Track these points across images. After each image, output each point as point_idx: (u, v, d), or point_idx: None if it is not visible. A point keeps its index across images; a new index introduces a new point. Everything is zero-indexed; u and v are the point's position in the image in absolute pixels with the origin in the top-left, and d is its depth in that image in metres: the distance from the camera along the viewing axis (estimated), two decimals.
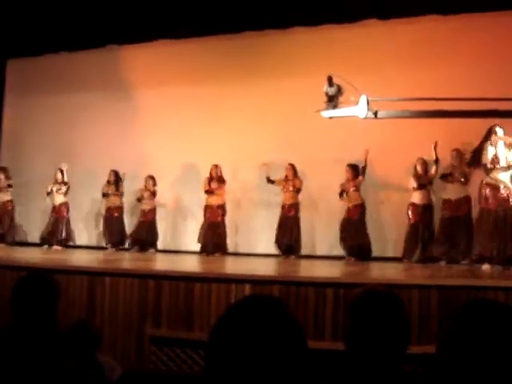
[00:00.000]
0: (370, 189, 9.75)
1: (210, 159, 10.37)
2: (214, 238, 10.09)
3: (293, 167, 9.81)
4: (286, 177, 9.83)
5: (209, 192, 10.21)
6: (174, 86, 11.11)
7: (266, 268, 7.91)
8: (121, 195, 11.04)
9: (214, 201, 10.21)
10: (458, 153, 8.46)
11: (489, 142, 7.58)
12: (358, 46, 9.77)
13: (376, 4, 9.44)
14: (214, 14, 10.13)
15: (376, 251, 9.37)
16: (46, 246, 10.96)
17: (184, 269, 7.13)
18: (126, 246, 10.97)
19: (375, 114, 5.17)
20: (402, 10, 9.41)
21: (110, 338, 5.59)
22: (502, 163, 7.55)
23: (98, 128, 11.68)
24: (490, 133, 7.58)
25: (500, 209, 7.50)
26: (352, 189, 9.43)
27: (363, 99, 5.12)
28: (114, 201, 11.03)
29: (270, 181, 9.96)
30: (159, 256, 10.12)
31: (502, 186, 7.53)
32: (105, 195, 11.06)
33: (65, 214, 11.13)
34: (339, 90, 5.23)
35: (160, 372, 3.84)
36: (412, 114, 5.83)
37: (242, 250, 10.46)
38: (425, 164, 8.99)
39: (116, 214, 11.04)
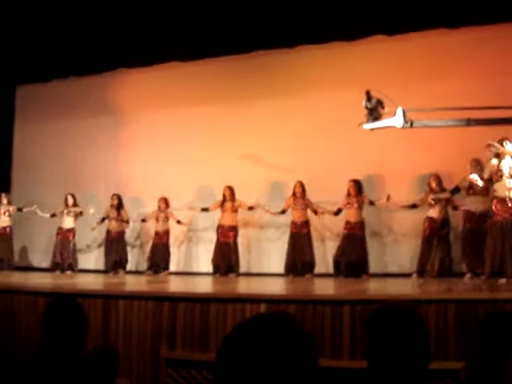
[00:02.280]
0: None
1: (219, 179, 10.39)
2: (226, 258, 10.06)
3: (301, 184, 9.79)
4: (294, 194, 9.77)
5: (222, 211, 10.22)
6: (183, 108, 11.16)
7: (280, 287, 7.86)
8: (122, 219, 11.04)
9: (226, 221, 10.20)
10: (478, 163, 8.30)
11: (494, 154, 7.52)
12: (366, 62, 9.77)
13: (382, 21, 9.45)
14: (215, 36, 10.19)
15: (375, 267, 9.36)
16: (57, 272, 10.98)
17: (198, 290, 7.10)
18: (126, 269, 10.98)
19: (411, 124, 5.59)
20: (408, 26, 9.43)
21: (125, 361, 5.54)
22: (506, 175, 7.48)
23: (105, 152, 11.75)
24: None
25: (506, 221, 7.44)
26: (355, 205, 9.40)
27: (400, 110, 5.53)
28: (114, 225, 11.05)
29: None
30: (172, 278, 10.09)
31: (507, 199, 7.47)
32: (104, 219, 11.07)
33: (71, 238, 11.17)
34: (380, 103, 5.58)
35: None
36: (446, 124, 6.01)
37: (253, 269, 10.41)
38: (439, 179, 8.93)
39: (116, 238, 11.03)
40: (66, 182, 11.71)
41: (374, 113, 5.67)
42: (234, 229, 10.19)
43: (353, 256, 9.24)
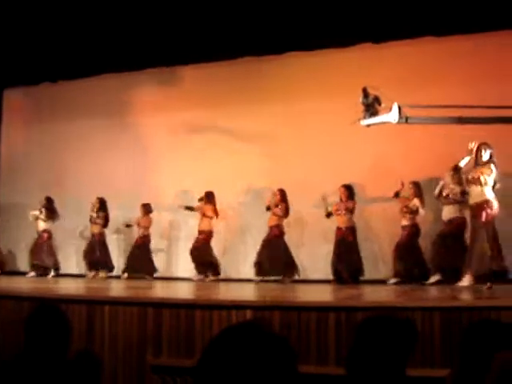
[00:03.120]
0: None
1: (207, 184, 10.38)
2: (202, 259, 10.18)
3: (281, 192, 9.78)
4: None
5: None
6: (170, 113, 11.16)
7: (263, 293, 7.85)
8: (101, 222, 11.03)
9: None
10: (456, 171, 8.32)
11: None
12: (354, 69, 9.80)
13: (371, 28, 9.50)
14: (214, 41, 10.20)
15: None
16: (32, 274, 11.05)
17: (182, 296, 7.08)
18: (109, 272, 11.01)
19: (406, 119, 5.71)
20: (396, 33, 9.49)
21: (110, 368, 5.52)
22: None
23: (93, 155, 11.73)
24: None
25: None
26: (344, 211, 9.40)
27: (395, 106, 5.64)
28: (94, 228, 11.08)
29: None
30: (154, 283, 10.06)
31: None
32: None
33: (45, 239, 11.21)
34: (377, 100, 5.67)
35: None
36: (441, 121, 6.09)
37: (229, 274, 10.41)
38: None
39: (96, 240, 11.05)
40: (51, 185, 11.70)
41: (371, 109, 5.77)
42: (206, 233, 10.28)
43: (346, 262, 9.26)
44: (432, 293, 7.46)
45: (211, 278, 10.06)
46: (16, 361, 2.53)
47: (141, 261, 10.71)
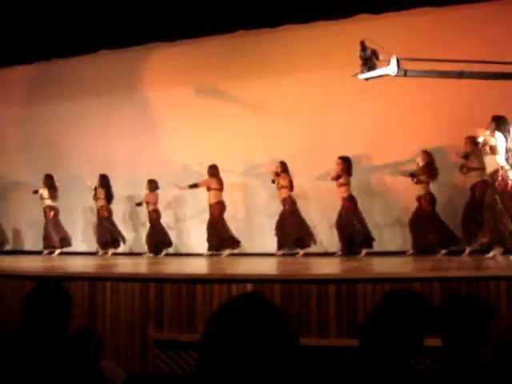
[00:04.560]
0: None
1: (204, 159, 10.39)
2: (216, 235, 10.17)
3: (282, 164, 9.83)
4: (277, 173, 9.85)
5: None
6: (167, 89, 11.11)
7: (266, 267, 7.88)
8: (102, 197, 11.09)
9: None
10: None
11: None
12: (351, 41, 9.72)
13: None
14: (205, 15, 10.12)
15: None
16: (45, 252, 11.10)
17: (185, 271, 7.11)
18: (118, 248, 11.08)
19: (405, 72, 5.67)
20: (394, 4, 9.40)
21: (113, 343, 5.56)
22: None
23: (91, 134, 11.73)
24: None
25: None
26: (340, 181, 9.46)
27: (394, 59, 5.62)
28: (97, 204, 11.20)
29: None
30: (161, 259, 10.10)
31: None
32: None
33: (50, 216, 11.25)
34: (374, 54, 5.63)
35: (163, 375, 3.81)
36: (441, 74, 6.02)
37: (243, 249, 10.44)
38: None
39: (101, 216, 11.15)
40: (49, 163, 11.71)
41: (369, 63, 5.70)
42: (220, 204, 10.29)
43: (348, 231, 9.35)
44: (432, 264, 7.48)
45: (227, 252, 10.06)
46: (16, 338, 2.54)
47: (159, 236, 10.75)
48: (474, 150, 8.05)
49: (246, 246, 10.45)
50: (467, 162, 8.40)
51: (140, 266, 8.51)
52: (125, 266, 8.59)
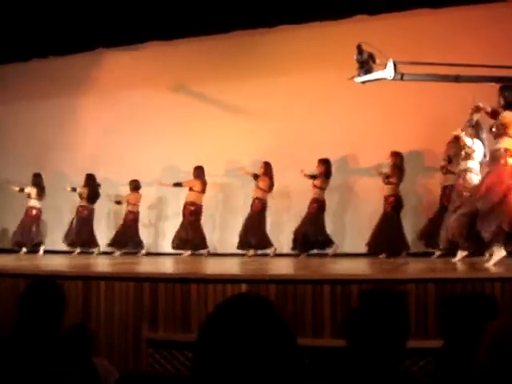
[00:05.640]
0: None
1: (192, 160, 10.38)
2: (189, 236, 10.17)
3: (266, 165, 9.83)
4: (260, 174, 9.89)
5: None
6: (160, 88, 11.09)
7: (259, 267, 7.87)
8: (85, 197, 11.06)
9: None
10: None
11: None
12: (347, 42, 9.72)
13: (365, 0, 9.42)
14: (200, 14, 10.11)
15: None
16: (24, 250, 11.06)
17: (177, 271, 7.10)
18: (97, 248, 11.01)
19: (402, 76, 5.70)
20: (391, 6, 9.41)
21: (106, 342, 5.55)
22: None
23: (78, 132, 11.77)
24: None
25: None
26: (317, 182, 9.46)
27: (391, 62, 5.64)
28: (80, 203, 11.11)
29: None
30: (146, 259, 10.09)
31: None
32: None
33: (33, 218, 11.17)
34: (371, 57, 5.63)
35: (157, 374, 3.80)
36: (438, 78, 6.04)
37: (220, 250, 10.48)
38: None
39: (79, 216, 11.10)
40: (37, 161, 11.69)
41: (366, 66, 5.73)
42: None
43: (308, 233, 9.35)
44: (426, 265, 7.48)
45: (187, 253, 10.10)
46: (10, 336, 2.54)
47: (128, 237, 10.71)
48: (458, 154, 8.08)
49: (218, 246, 10.55)
50: (449, 164, 8.44)
51: (128, 265, 8.46)
52: (114, 265, 8.57)
